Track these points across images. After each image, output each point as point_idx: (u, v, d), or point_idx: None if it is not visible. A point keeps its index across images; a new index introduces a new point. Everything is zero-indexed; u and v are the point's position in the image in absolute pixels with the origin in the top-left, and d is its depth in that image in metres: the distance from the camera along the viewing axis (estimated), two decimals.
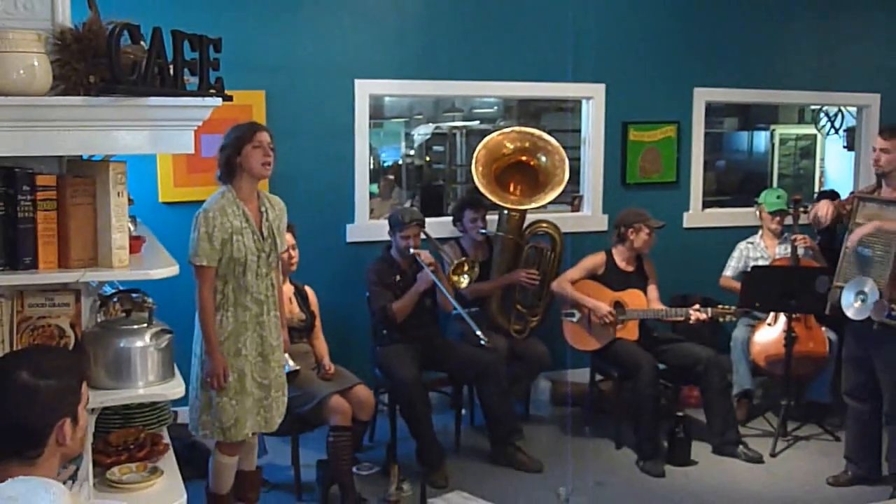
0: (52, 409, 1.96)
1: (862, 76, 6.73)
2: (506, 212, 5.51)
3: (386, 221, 5.09)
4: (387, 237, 5.03)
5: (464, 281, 4.98)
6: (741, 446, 4.97)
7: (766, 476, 4.78)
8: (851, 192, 4.88)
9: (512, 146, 5.67)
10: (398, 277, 4.93)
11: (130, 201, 2.64)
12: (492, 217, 5.55)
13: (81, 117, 2.28)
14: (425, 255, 4.83)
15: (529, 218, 5.63)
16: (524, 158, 5.69)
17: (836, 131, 7.73)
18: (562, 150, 5.62)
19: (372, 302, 4.97)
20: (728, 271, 5.74)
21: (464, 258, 5.08)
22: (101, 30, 2.29)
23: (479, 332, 4.53)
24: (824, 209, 4.47)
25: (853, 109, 7.15)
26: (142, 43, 2.33)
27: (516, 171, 5.70)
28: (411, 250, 4.82)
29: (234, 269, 3.55)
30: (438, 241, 5.17)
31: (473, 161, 5.53)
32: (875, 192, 4.43)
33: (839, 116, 7.65)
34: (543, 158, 5.64)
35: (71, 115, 2.27)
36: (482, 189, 5.43)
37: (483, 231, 5.44)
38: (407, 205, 7.54)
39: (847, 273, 4.32)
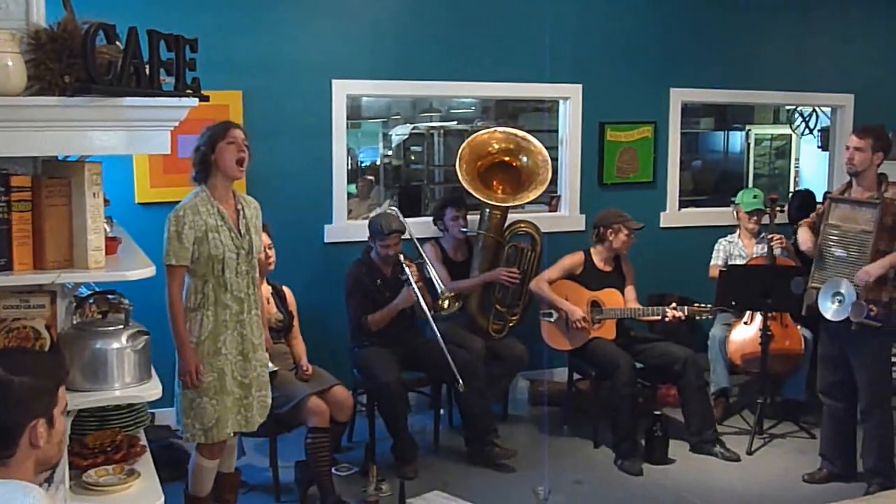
0: (25, 407, 1.95)
1: (836, 77, 6.80)
2: (487, 210, 5.52)
3: (364, 222, 5.07)
4: (365, 238, 5.01)
5: (445, 307, 4.95)
6: (718, 445, 5.00)
7: (743, 473, 4.82)
8: (826, 193, 4.92)
9: (497, 146, 5.70)
10: (378, 281, 4.92)
11: (106, 202, 2.62)
12: (472, 217, 5.56)
13: (56, 117, 2.27)
14: (414, 271, 4.81)
15: (509, 218, 5.64)
16: (507, 159, 5.71)
17: (811, 131, 7.79)
18: (545, 151, 5.64)
19: (348, 309, 4.96)
20: (718, 261, 5.77)
21: (452, 293, 5.03)
22: (76, 29, 2.27)
23: (458, 375, 4.58)
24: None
25: (827, 110, 7.21)
26: (117, 43, 2.32)
27: (499, 170, 5.72)
28: (401, 257, 4.83)
29: (214, 267, 3.54)
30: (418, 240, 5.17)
31: (458, 158, 5.54)
32: (845, 192, 4.46)
33: (813, 117, 7.71)
34: (525, 159, 5.66)
35: (46, 116, 2.26)
36: (466, 185, 5.44)
37: (464, 230, 5.44)
38: (385, 205, 7.51)
39: (822, 273, 4.36)
